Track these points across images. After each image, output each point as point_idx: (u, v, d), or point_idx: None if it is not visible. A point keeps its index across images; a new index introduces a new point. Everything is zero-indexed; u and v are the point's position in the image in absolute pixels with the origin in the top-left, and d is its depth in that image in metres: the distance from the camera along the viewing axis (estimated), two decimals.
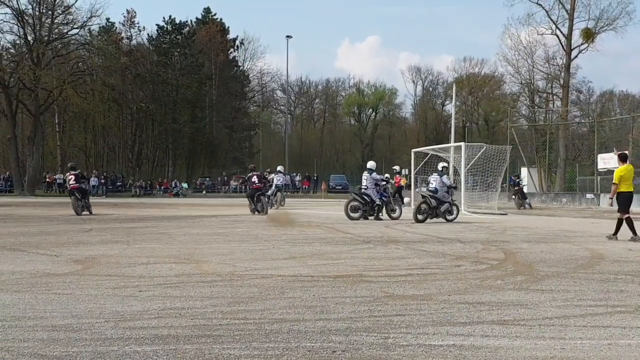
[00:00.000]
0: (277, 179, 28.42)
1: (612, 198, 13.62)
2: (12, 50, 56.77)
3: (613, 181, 13.56)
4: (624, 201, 13.36)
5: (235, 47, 78.02)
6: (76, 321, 5.21)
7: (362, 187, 19.60)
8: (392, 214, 19.88)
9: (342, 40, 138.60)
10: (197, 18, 75.75)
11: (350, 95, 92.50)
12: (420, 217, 18.49)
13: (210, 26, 72.64)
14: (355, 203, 19.24)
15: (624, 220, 13.19)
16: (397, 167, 34.93)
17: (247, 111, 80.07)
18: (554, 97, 54.45)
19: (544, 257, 9.78)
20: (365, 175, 19.77)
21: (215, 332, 4.85)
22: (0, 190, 51.48)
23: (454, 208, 19.51)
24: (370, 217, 19.34)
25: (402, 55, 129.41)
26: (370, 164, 20.32)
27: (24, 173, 52.24)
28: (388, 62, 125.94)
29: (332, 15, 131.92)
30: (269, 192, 25.78)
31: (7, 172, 52.95)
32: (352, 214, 19.06)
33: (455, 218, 19.28)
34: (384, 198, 19.72)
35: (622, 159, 14.04)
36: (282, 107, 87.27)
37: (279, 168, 30.17)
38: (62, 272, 7.99)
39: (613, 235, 13.25)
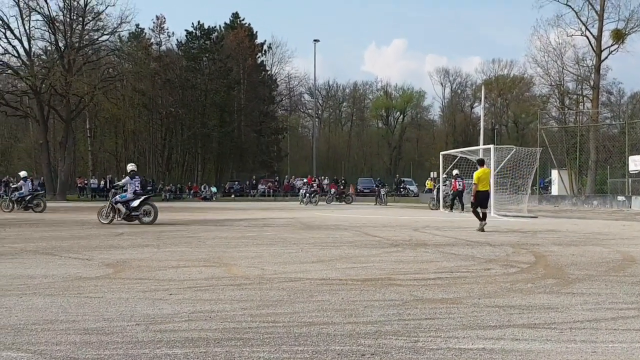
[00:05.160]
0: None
1: (473, 195, 16.31)
2: (43, 57, 57.58)
3: (473, 182, 16.35)
4: (480, 199, 16.12)
5: (263, 52, 78.46)
6: (108, 324, 5.27)
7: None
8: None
9: (369, 44, 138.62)
10: (225, 23, 76.40)
11: (377, 98, 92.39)
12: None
13: (238, 31, 73.03)
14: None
15: (473, 212, 16.32)
16: (457, 171, 30.36)
17: (275, 115, 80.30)
18: (584, 98, 53.68)
19: (575, 260, 9.68)
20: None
21: (245, 335, 4.87)
22: None
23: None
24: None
25: (429, 58, 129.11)
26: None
27: (55, 178, 52.95)
28: (415, 64, 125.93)
29: (358, 19, 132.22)
30: None
31: (41, 177, 53.54)
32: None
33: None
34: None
35: (480, 163, 17.07)
36: (309, 111, 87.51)
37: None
38: (93, 276, 8.08)
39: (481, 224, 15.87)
